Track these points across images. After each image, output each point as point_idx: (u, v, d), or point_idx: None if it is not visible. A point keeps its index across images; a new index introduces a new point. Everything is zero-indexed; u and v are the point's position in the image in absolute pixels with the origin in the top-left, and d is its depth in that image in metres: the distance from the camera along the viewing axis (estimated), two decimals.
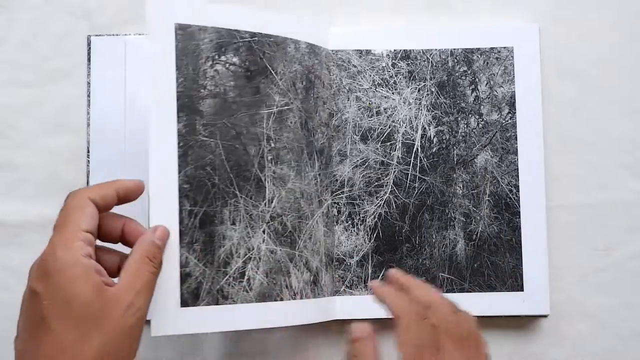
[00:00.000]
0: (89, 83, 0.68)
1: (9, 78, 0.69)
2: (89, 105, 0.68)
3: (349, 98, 0.67)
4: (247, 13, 0.61)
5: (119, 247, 0.54)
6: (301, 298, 0.61)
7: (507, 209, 0.66)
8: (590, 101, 0.68)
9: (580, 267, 0.67)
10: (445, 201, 0.66)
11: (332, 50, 0.67)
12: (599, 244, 0.67)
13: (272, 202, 0.61)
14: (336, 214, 0.66)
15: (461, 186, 0.66)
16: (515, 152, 0.67)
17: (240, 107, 0.60)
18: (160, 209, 0.56)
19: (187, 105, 0.58)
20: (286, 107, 0.62)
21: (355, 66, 0.67)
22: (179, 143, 0.57)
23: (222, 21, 0.60)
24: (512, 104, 0.67)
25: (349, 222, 0.66)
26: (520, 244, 0.66)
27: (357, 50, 0.67)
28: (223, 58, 0.60)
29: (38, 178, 0.68)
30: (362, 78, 0.67)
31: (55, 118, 0.68)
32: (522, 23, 0.69)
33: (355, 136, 0.67)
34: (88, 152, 0.67)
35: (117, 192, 0.53)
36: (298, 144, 0.63)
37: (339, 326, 0.65)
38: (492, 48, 0.67)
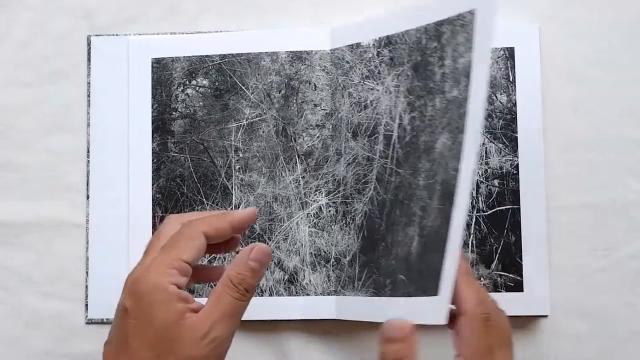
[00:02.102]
0: (89, 83, 0.68)
1: (9, 78, 0.69)
2: (89, 105, 0.68)
3: (342, 95, 0.67)
4: (217, 38, 0.68)
5: None
6: (270, 295, 0.66)
7: (448, 197, 0.54)
8: (590, 101, 0.68)
9: (580, 267, 0.67)
10: (410, 194, 0.60)
11: (330, 50, 0.67)
12: (599, 244, 0.67)
13: (238, 207, 0.67)
14: (334, 213, 0.66)
15: (423, 176, 0.59)
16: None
17: (208, 124, 0.68)
18: (137, 216, 0.66)
19: (160, 127, 0.68)
20: (258, 118, 0.67)
21: (348, 62, 0.67)
22: (152, 160, 0.67)
23: (193, 49, 0.68)
24: (467, 75, 0.55)
25: (344, 222, 0.66)
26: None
27: (349, 45, 0.67)
28: (194, 82, 0.68)
29: (38, 178, 0.68)
30: (353, 73, 0.67)
31: (55, 118, 0.68)
32: (522, 23, 0.69)
33: (347, 133, 0.67)
34: (88, 152, 0.67)
35: (232, 225, 0.53)
36: (272, 151, 0.67)
37: (335, 326, 0.66)
38: (458, 15, 0.58)
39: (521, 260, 0.66)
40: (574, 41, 0.69)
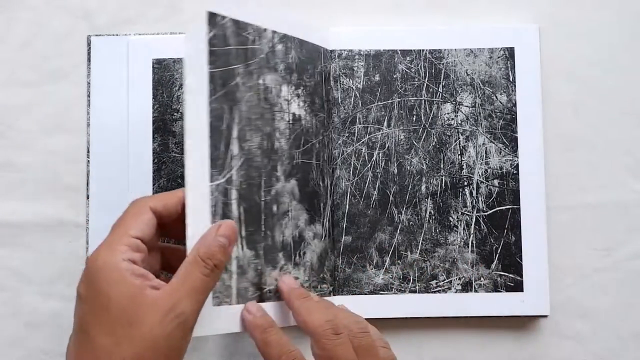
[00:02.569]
0: (89, 83, 0.68)
1: (9, 78, 0.69)
2: (89, 105, 0.68)
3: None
4: None
5: None
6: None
7: None
8: (590, 101, 0.68)
9: (580, 267, 0.67)
10: None
11: (331, 50, 0.67)
12: (599, 244, 0.67)
13: None
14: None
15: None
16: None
17: None
18: None
19: (161, 128, 0.67)
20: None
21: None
22: (153, 160, 0.66)
23: None
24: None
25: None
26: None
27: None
28: None
29: (38, 178, 0.68)
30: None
31: (55, 118, 0.68)
32: (522, 23, 0.69)
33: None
34: (88, 152, 0.67)
35: (181, 200, 0.51)
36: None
37: None
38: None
39: (521, 260, 0.66)
40: (574, 41, 0.69)
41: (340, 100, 0.67)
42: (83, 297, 0.47)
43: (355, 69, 0.67)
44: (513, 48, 0.67)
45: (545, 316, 0.66)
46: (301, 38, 0.64)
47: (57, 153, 0.68)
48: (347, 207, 0.66)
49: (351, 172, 0.67)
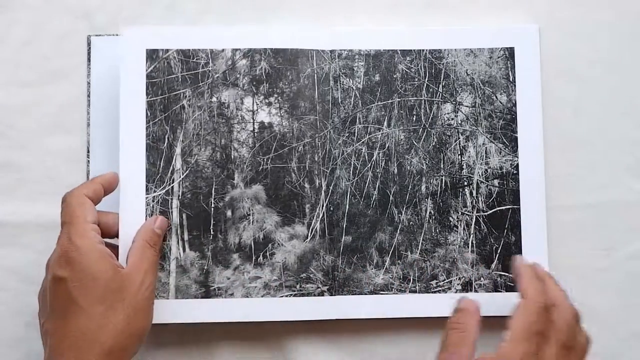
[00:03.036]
0: (89, 83, 0.68)
1: (9, 78, 0.69)
2: (89, 105, 0.68)
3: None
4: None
5: None
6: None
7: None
8: (590, 101, 0.68)
9: (580, 267, 0.67)
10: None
11: (330, 50, 0.67)
12: (599, 244, 0.67)
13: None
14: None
15: None
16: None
17: None
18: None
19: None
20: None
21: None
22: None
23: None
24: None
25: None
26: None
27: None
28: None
29: (38, 178, 0.68)
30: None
31: (55, 118, 0.68)
32: (522, 23, 0.69)
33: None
34: (88, 152, 0.67)
35: (103, 185, 0.61)
36: None
37: (336, 326, 0.66)
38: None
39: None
40: (574, 41, 0.69)
41: (340, 100, 0.67)
42: (68, 278, 0.56)
43: (355, 69, 0.67)
44: (513, 48, 0.67)
45: None
46: (277, 47, 0.66)
47: (57, 153, 0.68)
48: (347, 207, 0.66)
49: (351, 172, 0.67)
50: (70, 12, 0.69)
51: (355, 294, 0.65)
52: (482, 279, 0.66)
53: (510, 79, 0.67)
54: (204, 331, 0.66)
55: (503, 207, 0.66)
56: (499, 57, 0.67)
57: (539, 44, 0.67)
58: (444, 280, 0.66)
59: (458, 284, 0.66)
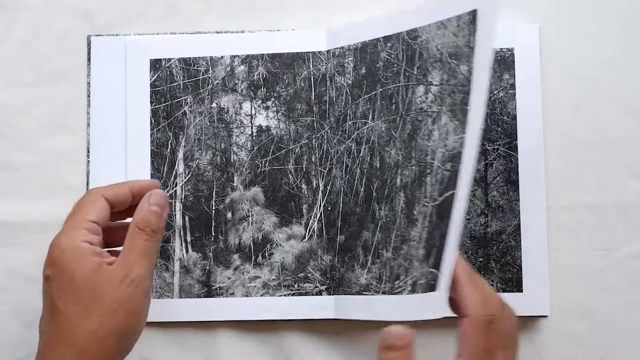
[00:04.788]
0: (89, 83, 0.68)
1: (9, 78, 0.69)
2: (89, 105, 0.68)
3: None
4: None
5: None
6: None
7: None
8: (590, 101, 0.68)
9: (580, 267, 0.67)
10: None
11: (327, 51, 0.67)
12: (599, 244, 0.67)
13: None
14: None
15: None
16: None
17: None
18: None
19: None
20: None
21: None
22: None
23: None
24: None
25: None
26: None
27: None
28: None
29: (38, 178, 0.68)
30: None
31: (55, 118, 0.68)
32: (522, 23, 0.69)
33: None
34: (88, 152, 0.67)
35: (131, 190, 0.57)
36: None
37: (336, 326, 0.66)
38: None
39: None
40: (574, 41, 0.69)
41: (334, 99, 0.67)
42: (51, 277, 0.53)
43: (345, 65, 0.67)
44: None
45: (545, 316, 0.66)
46: (273, 52, 0.68)
47: (57, 153, 0.68)
48: (341, 205, 0.66)
49: (344, 170, 0.67)
50: (70, 12, 0.69)
51: (347, 294, 0.65)
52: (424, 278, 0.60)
53: (471, 46, 0.58)
54: (206, 329, 0.66)
55: (447, 194, 0.57)
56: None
57: (539, 44, 0.67)
58: (404, 280, 0.61)
59: (410, 285, 0.60)
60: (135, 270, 0.53)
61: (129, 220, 0.57)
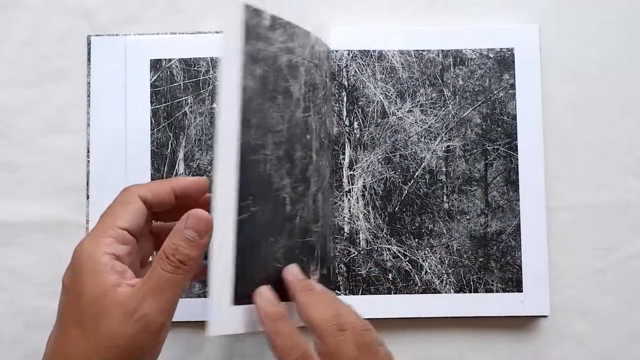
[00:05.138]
0: (89, 83, 0.68)
1: (9, 78, 0.69)
2: (89, 105, 0.68)
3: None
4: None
5: None
6: None
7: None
8: (590, 101, 0.68)
9: (580, 267, 0.67)
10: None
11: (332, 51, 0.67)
12: (599, 244, 0.67)
13: None
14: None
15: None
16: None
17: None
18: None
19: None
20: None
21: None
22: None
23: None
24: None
25: None
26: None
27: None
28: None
29: (38, 178, 0.68)
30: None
31: (55, 118, 0.68)
32: (522, 23, 0.69)
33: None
34: (88, 152, 0.67)
35: (174, 189, 0.50)
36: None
37: None
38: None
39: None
40: (574, 41, 0.69)
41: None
42: (66, 287, 0.46)
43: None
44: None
45: (545, 316, 0.66)
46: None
47: (57, 153, 0.68)
48: None
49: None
50: (70, 12, 0.69)
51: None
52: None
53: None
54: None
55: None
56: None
57: (539, 44, 0.67)
58: None
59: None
60: (146, 306, 0.45)
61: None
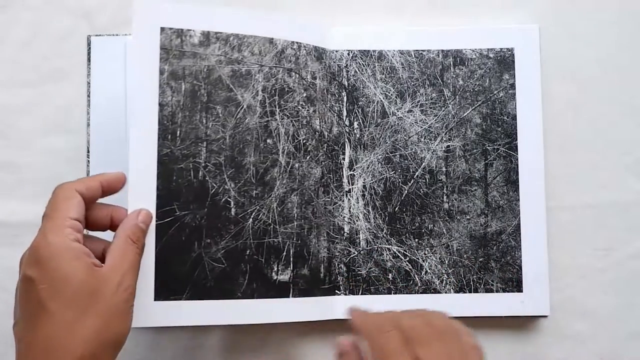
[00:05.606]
0: (89, 83, 0.68)
1: (9, 78, 0.69)
2: (89, 105, 0.68)
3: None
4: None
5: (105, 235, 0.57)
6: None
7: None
8: (590, 101, 0.68)
9: (580, 267, 0.67)
10: None
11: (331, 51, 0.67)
12: (599, 244, 0.67)
13: None
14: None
15: None
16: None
17: None
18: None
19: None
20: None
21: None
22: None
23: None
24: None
25: None
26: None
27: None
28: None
29: (38, 178, 0.68)
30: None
31: (55, 118, 0.68)
32: (522, 23, 0.69)
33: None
34: (88, 152, 0.67)
35: (101, 184, 0.57)
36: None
37: (335, 326, 0.66)
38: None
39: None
40: (574, 41, 0.69)
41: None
42: (37, 279, 0.50)
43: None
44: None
45: (545, 316, 0.66)
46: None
47: (57, 153, 0.68)
48: None
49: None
50: (70, 12, 0.69)
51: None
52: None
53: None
54: (206, 329, 0.66)
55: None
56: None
57: (539, 44, 0.67)
58: None
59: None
60: (128, 278, 0.53)
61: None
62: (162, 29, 0.60)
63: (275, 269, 0.62)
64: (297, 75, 0.64)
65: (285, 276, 0.62)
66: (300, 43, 0.64)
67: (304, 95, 0.64)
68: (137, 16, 0.59)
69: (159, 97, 0.60)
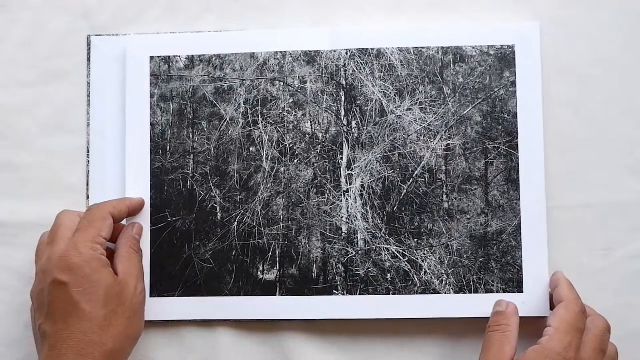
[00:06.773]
0: (89, 83, 0.68)
1: (9, 78, 0.69)
2: (89, 105, 0.68)
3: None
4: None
5: None
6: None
7: None
8: (590, 101, 0.68)
9: (580, 267, 0.67)
10: None
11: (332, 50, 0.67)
12: (599, 244, 0.67)
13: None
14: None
15: None
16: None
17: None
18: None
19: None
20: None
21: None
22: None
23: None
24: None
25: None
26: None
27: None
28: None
29: (38, 178, 0.68)
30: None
31: (55, 118, 0.69)
32: (523, 22, 0.68)
33: None
34: (88, 152, 0.68)
35: (129, 209, 0.65)
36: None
37: (336, 326, 0.66)
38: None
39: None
40: (574, 39, 0.68)
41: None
42: (70, 283, 0.58)
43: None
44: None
45: (546, 317, 0.65)
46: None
47: (57, 153, 0.68)
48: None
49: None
50: (70, 12, 0.69)
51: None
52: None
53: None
54: (206, 329, 0.67)
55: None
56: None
57: (539, 42, 0.67)
58: None
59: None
60: (140, 283, 0.62)
61: None
62: (152, 57, 0.68)
63: (261, 268, 0.66)
64: (282, 83, 0.67)
65: (271, 275, 0.66)
66: (285, 52, 0.66)
67: (290, 101, 0.67)
68: (130, 49, 0.67)
69: (151, 118, 0.67)
